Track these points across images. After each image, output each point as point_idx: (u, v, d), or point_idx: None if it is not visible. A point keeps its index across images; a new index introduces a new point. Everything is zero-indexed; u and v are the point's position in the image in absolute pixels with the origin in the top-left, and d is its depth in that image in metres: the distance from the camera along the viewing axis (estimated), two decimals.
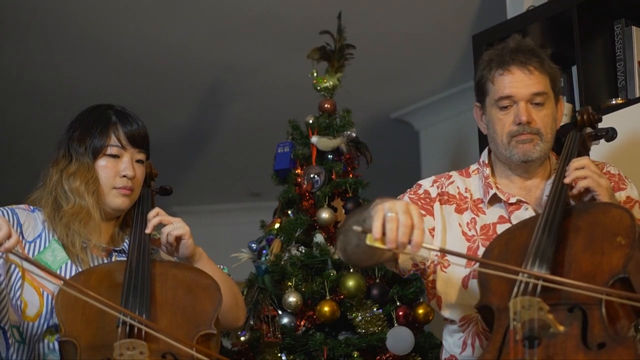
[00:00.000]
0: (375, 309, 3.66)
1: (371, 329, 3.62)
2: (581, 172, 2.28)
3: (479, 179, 2.57)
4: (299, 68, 4.30)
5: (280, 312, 3.69)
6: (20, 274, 2.35)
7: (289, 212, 3.91)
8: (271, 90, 5.25)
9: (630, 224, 2.10)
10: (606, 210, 2.18)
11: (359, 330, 3.63)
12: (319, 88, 4.03)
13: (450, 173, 2.61)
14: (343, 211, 3.84)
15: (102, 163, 2.45)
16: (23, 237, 2.42)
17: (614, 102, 3.25)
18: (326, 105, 4.01)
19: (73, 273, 2.38)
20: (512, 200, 2.48)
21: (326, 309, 3.62)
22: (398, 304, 3.67)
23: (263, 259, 3.80)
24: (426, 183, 2.58)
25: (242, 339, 3.68)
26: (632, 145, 3.11)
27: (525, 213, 2.46)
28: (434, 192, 2.55)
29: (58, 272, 2.37)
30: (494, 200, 2.51)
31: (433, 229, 2.48)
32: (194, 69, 5.05)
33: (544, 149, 2.47)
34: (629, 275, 2.01)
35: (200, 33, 4.70)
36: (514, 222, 2.43)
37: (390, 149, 5.81)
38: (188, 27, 4.66)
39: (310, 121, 3.98)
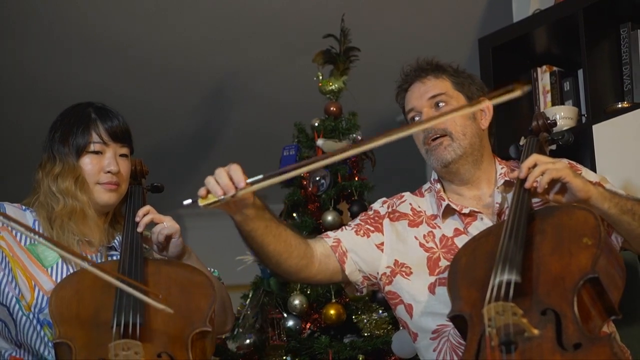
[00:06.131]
0: (380, 312, 3.66)
1: (376, 332, 3.62)
2: (537, 170, 2.25)
3: (431, 196, 2.59)
4: (304, 71, 4.30)
5: (285, 315, 3.69)
6: (7, 258, 2.39)
7: (295, 215, 3.92)
8: (277, 93, 5.25)
9: (595, 224, 2.11)
10: (570, 212, 2.19)
11: (364, 333, 3.63)
12: (324, 91, 4.03)
13: (403, 194, 2.64)
14: (349, 214, 3.83)
15: (87, 160, 2.47)
16: None
17: (619, 105, 3.24)
18: (332, 108, 4.01)
19: (64, 273, 2.40)
20: (466, 210, 2.48)
21: (332, 311, 3.63)
22: None
23: None
24: (376, 205, 2.63)
25: (247, 341, 3.68)
26: (638, 150, 3.10)
27: (481, 223, 2.46)
28: (383, 210, 2.59)
29: (49, 271, 2.39)
30: (448, 212, 2.52)
31: (382, 244, 2.51)
32: (199, 73, 5.05)
33: (459, 147, 2.48)
34: (598, 274, 2.02)
35: (206, 37, 4.70)
36: (473, 233, 2.43)
37: (395, 152, 5.80)
38: (194, 31, 4.66)
39: (316, 124, 3.99)
